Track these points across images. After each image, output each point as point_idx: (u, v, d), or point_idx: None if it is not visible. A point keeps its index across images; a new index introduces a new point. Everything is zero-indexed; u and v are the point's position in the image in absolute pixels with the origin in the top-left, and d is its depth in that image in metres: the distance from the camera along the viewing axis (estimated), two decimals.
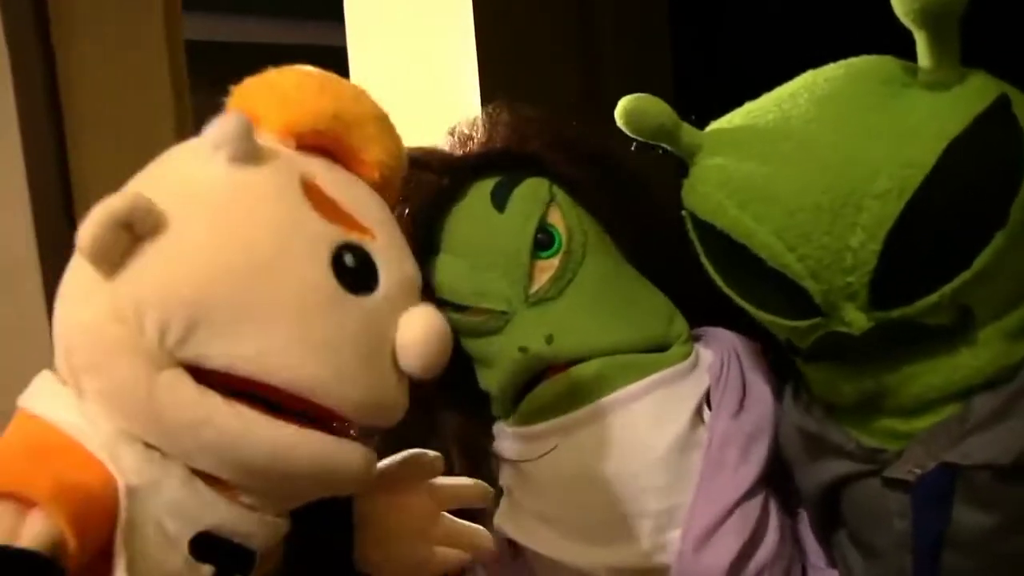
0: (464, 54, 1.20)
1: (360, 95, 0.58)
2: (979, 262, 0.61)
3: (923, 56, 0.62)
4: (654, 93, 0.70)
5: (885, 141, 0.61)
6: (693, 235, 0.71)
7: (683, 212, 0.71)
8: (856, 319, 0.64)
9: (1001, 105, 0.62)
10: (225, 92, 0.58)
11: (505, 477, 0.81)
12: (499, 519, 0.80)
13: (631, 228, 0.83)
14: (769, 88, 0.70)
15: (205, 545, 0.52)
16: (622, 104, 0.69)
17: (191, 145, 0.55)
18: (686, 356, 0.79)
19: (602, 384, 0.76)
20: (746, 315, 0.70)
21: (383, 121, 0.58)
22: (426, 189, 0.78)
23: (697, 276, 0.72)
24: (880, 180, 0.61)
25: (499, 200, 0.79)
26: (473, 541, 0.67)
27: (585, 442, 0.76)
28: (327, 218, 0.52)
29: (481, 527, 0.69)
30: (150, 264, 0.48)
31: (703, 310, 0.81)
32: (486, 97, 0.89)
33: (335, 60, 1.30)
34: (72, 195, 0.89)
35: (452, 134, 0.84)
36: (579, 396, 0.76)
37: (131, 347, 0.48)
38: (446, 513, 0.67)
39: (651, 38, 1.43)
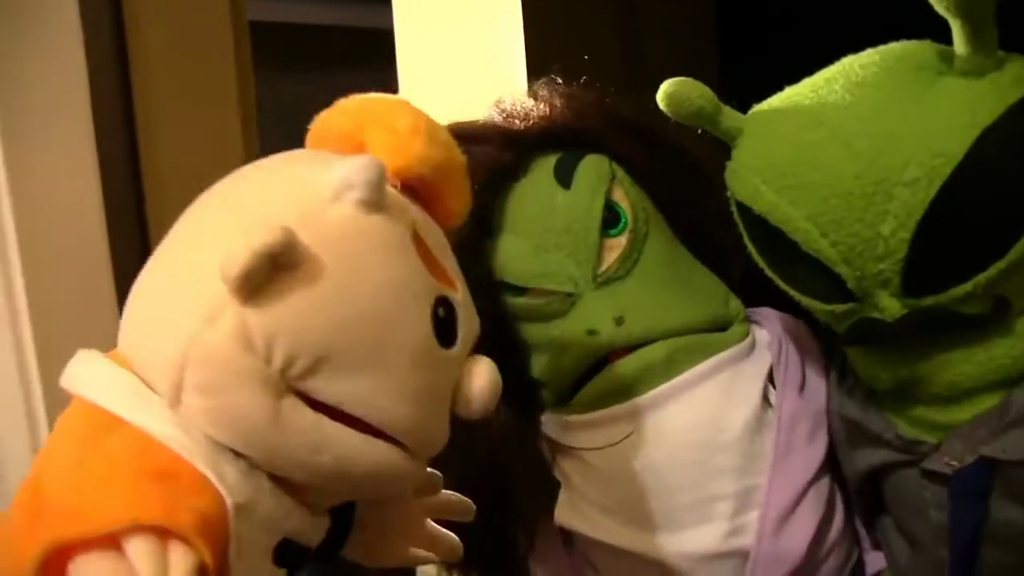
0: (511, 34, 1.20)
1: (454, 144, 0.58)
2: (1014, 252, 0.61)
3: (959, 43, 0.61)
4: (698, 77, 0.70)
5: (916, 130, 0.61)
6: (737, 218, 0.71)
7: (728, 194, 0.71)
8: (889, 306, 0.64)
9: None
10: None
11: (564, 467, 0.78)
12: (560, 513, 0.78)
13: (684, 208, 0.81)
14: (815, 70, 0.69)
15: (282, 551, 0.54)
16: (664, 88, 0.69)
17: (308, 176, 0.53)
18: (746, 335, 0.78)
19: (669, 366, 0.74)
20: (790, 298, 0.71)
21: (465, 169, 0.59)
22: (489, 164, 0.75)
23: (744, 258, 0.72)
24: (910, 169, 0.60)
25: (564, 176, 0.76)
26: (449, 547, 0.69)
27: (655, 426, 0.73)
28: (429, 269, 0.54)
29: (455, 536, 0.69)
30: (287, 298, 0.49)
31: (751, 292, 0.80)
32: (533, 78, 0.90)
33: (381, 42, 1.33)
34: (141, 173, 0.91)
35: (500, 108, 0.81)
36: (646, 379, 0.74)
37: (257, 375, 0.49)
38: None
39: (697, 21, 1.43)
